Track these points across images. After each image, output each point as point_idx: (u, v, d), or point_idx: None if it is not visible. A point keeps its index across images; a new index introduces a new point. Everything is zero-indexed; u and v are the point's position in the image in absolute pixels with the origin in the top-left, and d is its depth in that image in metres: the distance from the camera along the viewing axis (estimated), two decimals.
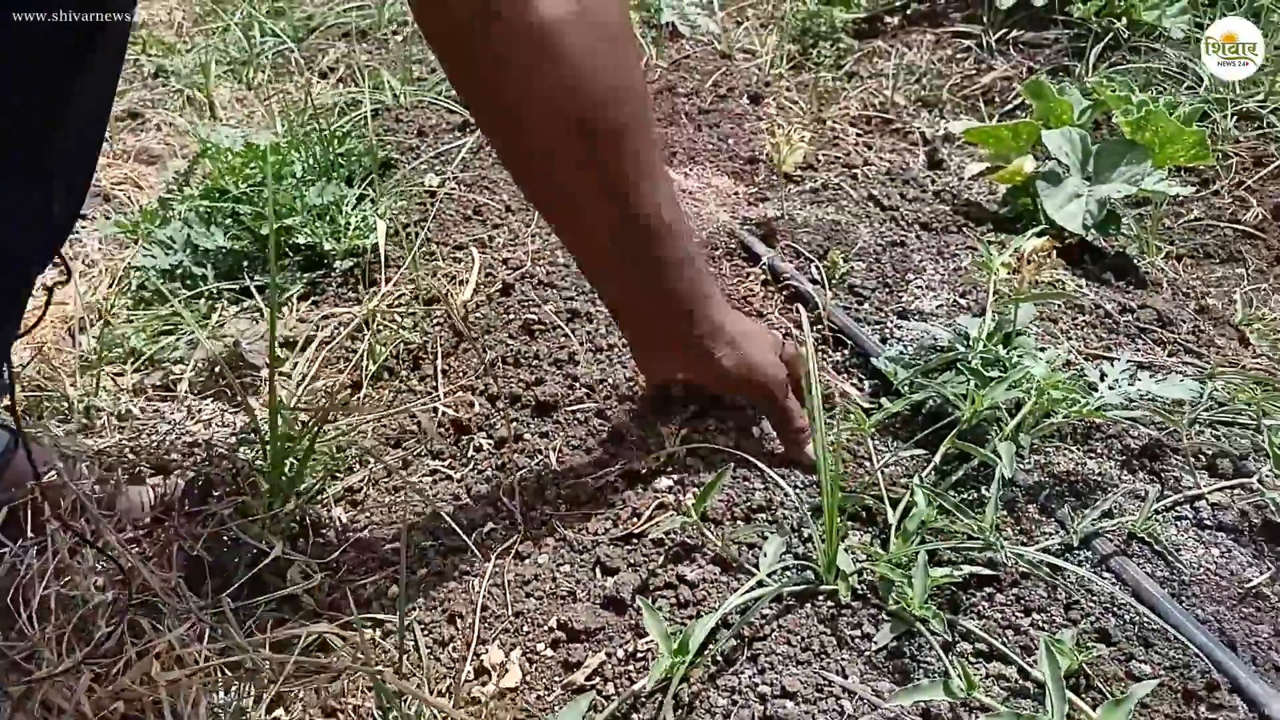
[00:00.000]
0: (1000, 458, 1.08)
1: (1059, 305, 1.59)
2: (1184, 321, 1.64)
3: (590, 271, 1.18)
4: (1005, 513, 1.14)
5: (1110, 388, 1.22)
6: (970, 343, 1.33)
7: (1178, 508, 1.16)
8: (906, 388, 1.29)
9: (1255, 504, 1.16)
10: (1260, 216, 2.31)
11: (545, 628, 1.05)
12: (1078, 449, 1.24)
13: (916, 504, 1.07)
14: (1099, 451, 1.24)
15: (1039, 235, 1.49)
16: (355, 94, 2.58)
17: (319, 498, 1.39)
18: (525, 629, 1.07)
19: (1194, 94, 2.63)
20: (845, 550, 1.03)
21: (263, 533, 1.24)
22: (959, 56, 3.30)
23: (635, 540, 1.14)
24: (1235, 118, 2.55)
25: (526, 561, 1.16)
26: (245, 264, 1.97)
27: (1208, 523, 1.14)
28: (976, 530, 1.02)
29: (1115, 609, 1.01)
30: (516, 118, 0.94)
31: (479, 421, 1.43)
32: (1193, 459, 1.23)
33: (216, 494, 1.29)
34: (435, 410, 1.48)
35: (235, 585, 1.20)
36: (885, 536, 1.09)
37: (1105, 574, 1.06)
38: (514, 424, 1.41)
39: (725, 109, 2.37)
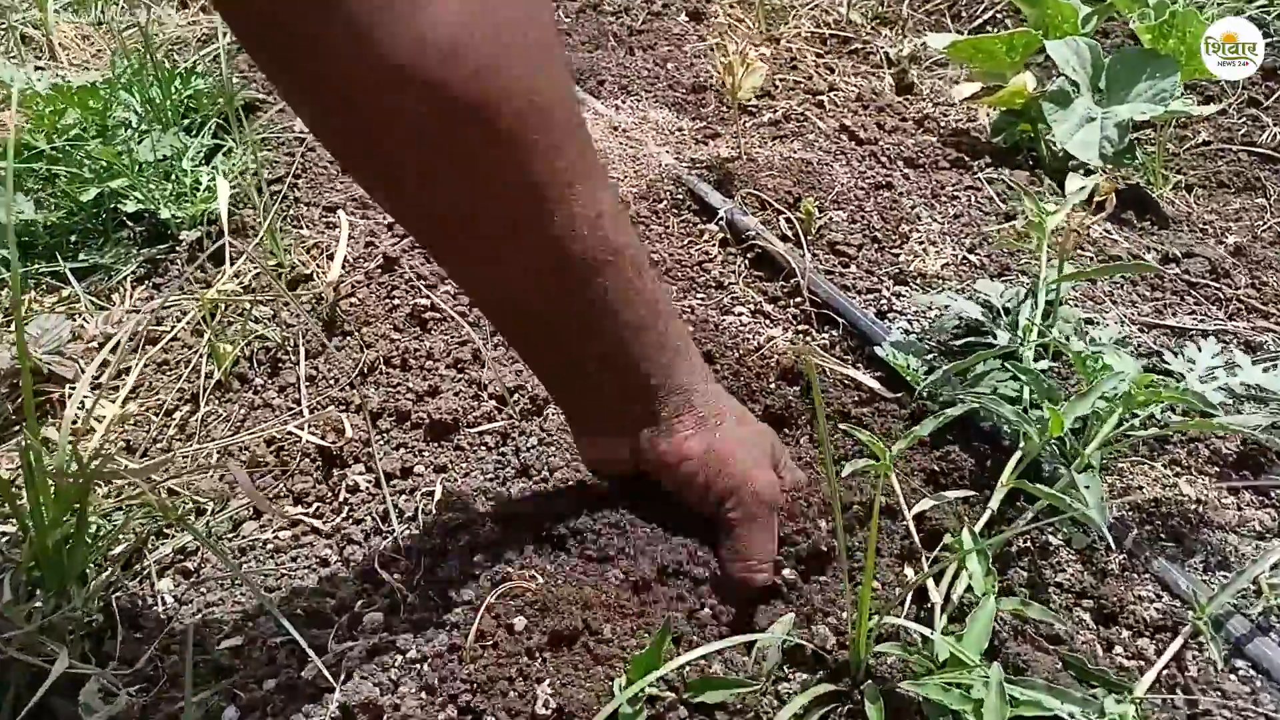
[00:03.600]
0: (1086, 502, 0.75)
1: (1092, 259, 1.26)
2: (1239, 272, 1.33)
3: (499, 320, 0.81)
4: (1080, 566, 0.82)
5: (1203, 379, 0.90)
6: (1007, 321, 1.00)
7: None
8: (924, 385, 0.96)
9: None
10: (1278, 138, 2.02)
11: None
12: (1160, 464, 0.92)
13: (970, 572, 0.74)
14: (1185, 464, 0.93)
15: (1085, 173, 1.16)
16: (212, 24, 2.14)
17: (139, 565, 1.03)
18: None
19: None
20: (876, 651, 0.70)
21: (39, 639, 0.88)
22: None
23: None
24: None
25: (408, 670, 0.81)
26: (72, 239, 1.56)
27: None
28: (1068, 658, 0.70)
29: (1258, 716, 0.70)
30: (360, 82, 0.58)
31: (354, 450, 1.06)
32: None
33: None
34: (299, 433, 1.11)
35: None
36: (926, 612, 0.76)
37: (1239, 660, 0.74)
38: (401, 451, 1.05)
39: (661, 28, 1.99)
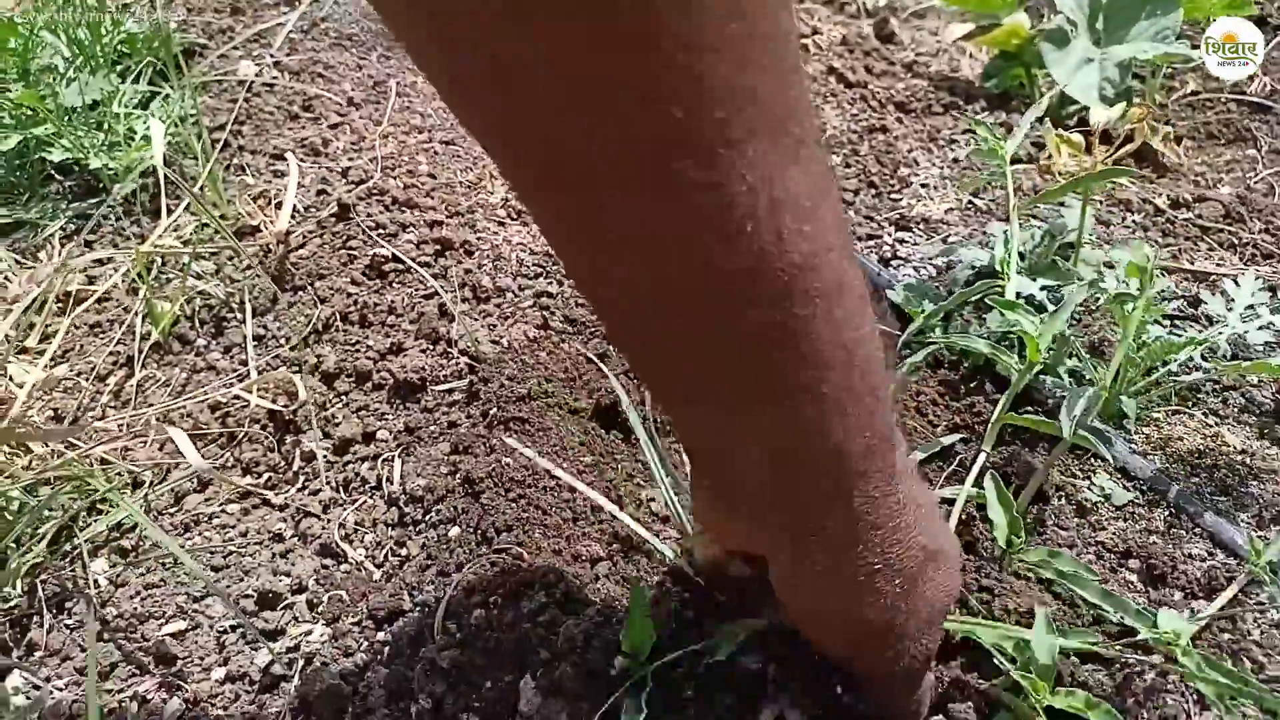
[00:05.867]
0: (1105, 441, 0.67)
1: (1101, 203, 1.19)
2: (1252, 217, 1.26)
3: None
4: (1123, 524, 0.74)
5: (1244, 317, 0.82)
6: (1020, 265, 0.92)
7: None
8: (916, 324, 0.88)
9: None
10: (1268, 87, 1.96)
11: None
12: (1199, 412, 0.84)
13: (995, 525, 0.66)
14: (1222, 414, 0.85)
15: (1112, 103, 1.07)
16: None
17: (68, 544, 0.91)
18: None
19: None
20: None
21: None
22: None
23: None
24: None
25: (376, 656, 0.71)
26: None
27: None
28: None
29: None
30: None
31: (309, 414, 0.96)
32: None
33: None
34: (246, 397, 1.00)
35: None
36: None
37: None
38: (361, 414, 0.95)
39: None
